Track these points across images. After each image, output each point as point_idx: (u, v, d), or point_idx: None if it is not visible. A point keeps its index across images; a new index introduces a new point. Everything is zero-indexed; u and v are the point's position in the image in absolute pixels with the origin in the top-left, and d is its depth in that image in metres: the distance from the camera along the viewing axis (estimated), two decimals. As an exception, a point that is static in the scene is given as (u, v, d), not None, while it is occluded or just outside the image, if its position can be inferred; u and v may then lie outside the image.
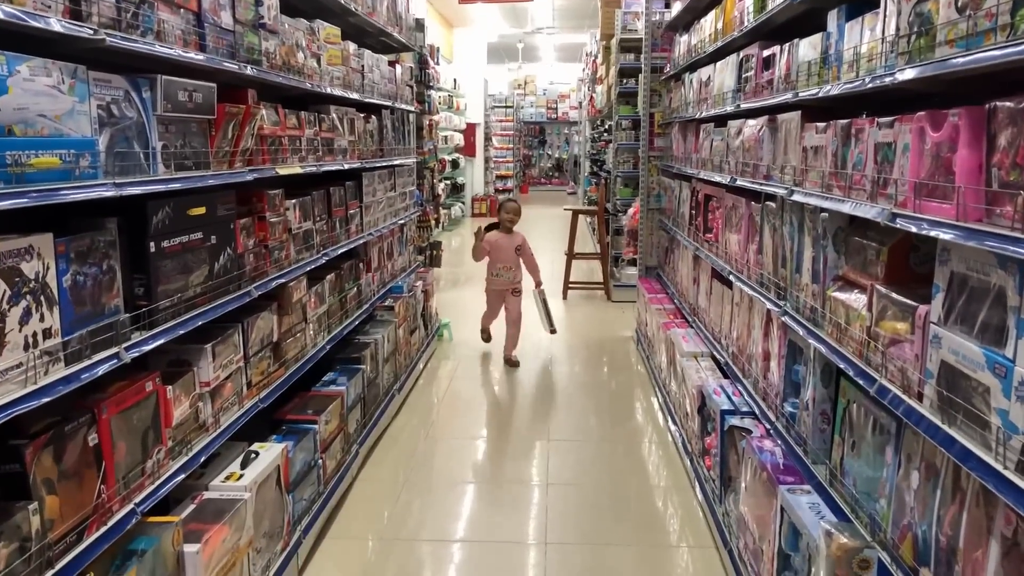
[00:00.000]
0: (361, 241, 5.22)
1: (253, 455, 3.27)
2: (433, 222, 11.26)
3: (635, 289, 9.17)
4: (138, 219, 2.62)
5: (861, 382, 2.43)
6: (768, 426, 3.46)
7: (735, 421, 3.65)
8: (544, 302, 7.08)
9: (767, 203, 3.70)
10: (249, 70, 3.25)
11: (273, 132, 3.68)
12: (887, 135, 2.38)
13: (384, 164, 5.93)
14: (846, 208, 2.61)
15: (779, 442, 3.24)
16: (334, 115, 4.66)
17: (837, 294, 2.78)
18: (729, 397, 3.95)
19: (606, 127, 14.09)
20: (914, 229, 2.10)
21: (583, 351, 7.51)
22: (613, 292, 9.63)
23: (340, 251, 4.69)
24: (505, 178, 23.83)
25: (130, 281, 2.59)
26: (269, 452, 3.34)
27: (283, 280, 3.74)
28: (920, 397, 2.10)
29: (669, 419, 5.32)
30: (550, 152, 30.29)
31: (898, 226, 2.23)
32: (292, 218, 3.94)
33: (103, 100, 2.33)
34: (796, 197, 3.16)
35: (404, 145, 6.88)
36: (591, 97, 17.13)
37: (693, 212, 5.60)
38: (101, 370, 2.27)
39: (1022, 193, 1.67)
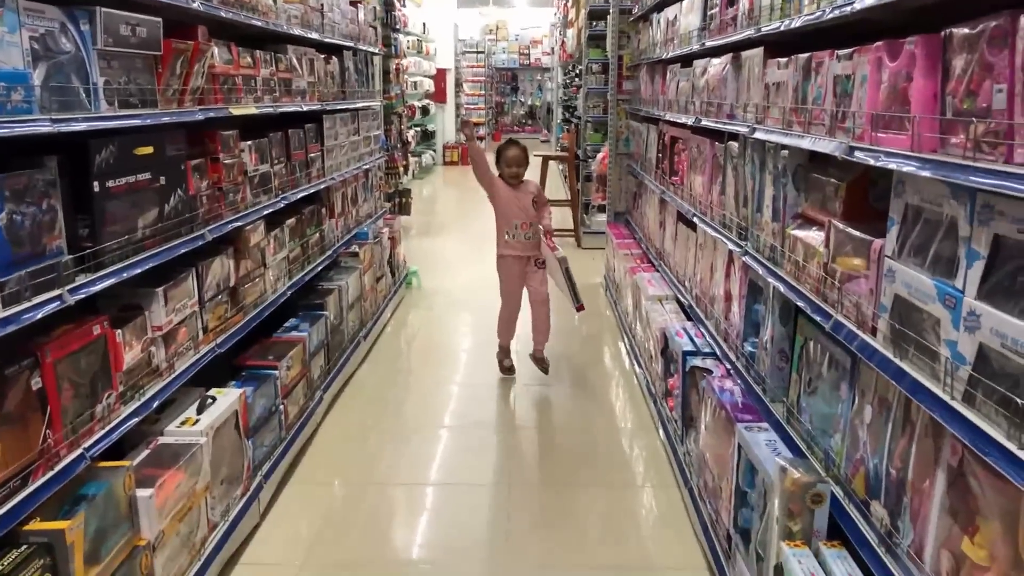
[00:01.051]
0: (323, 186, 5.14)
1: (210, 400, 3.23)
2: (402, 169, 11.13)
3: (604, 235, 9.16)
4: (81, 158, 2.54)
5: (817, 318, 2.42)
6: (728, 366, 3.46)
7: (696, 362, 3.65)
8: (568, 271, 5.12)
9: (730, 143, 3.66)
10: (197, 4, 3.14)
11: (226, 71, 3.58)
12: (846, 68, 2.34)
13: (346, 107, 5.82)
14: (805, 144, 2.57)
15: (739, 381, 3.24)
16: (292, 55, 4.55)
17: (796, 232, 2.76)
18: (691, 339, 3.95)
19: (577, 72, 13.95)
20: (871, 161, 2.07)
21: (552, 299, 7.49)
22: (583, 239, 9.59)
23: (300, 195, 4.61)
24: (477, 125, 23.59)
25: (74, 222, 2.52)
26: (227, 397, 3.30)
27: (239, 224, 3.67)
28: (874, 331, 2.09)
29: (635, 363, 5.33)
30: (523, 99, 29.99)
31: (855, 159, 2.19)
32: (248, 160, 3.86)
33: (36, 32, 2.24)
34: (758, 135, 3.12)
35: (368, 88, 6.76)
36: (563, 42, 16.93)
37: (660, 155, 5.56)
38: (42, 312, 2.20)
39: (975, 121, 1.63)
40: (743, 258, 3.28)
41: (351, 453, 4.30)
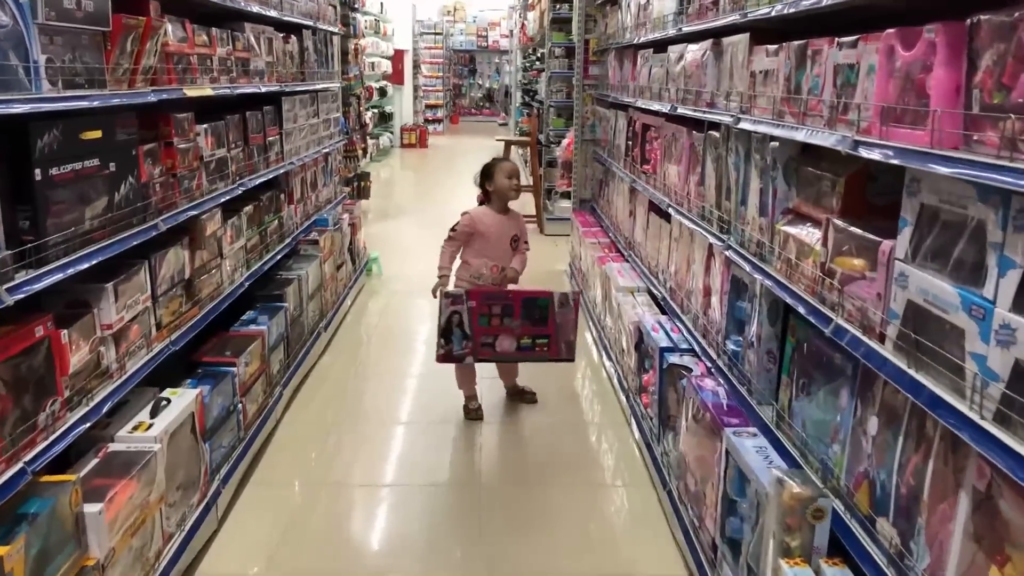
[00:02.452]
0: (282, 171, 4.92)
1: (164, 402, 3.02)
2: (360, 152, 10.88)
3: (568, 222, 9.01)
4: (21, 144, 2.32)
5: (815, 321, 2.29)
6: (709, 364, 3.34)
7: (674, 359, 3.53)
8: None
9: (710, 132, 3.53)
10: (149, -22, 2.92)
11: (180, 50, 3.36)
12: (848, 56, 2.21)
13: (306, 88, 5.59)
14: (800, 136, 2.44)
15: (721, 381, 3.12)
16: (250, 34, 4.32)
17: (787, 228, 2.64)
18: (668, 334, 3.82)
19: (538, 55, 13.76)
20: (879, 157, 1.94)
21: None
22: (546, 225, 9.45)
23: (259, 181, 4.40)
24: (435, 107, 23.31)
25: (13, 214, 2.30)
26: (182, 398, 3.09)
27: (195, 212, 3.45)
28: (882, 339, 1.97)
29: (603, 355, 5.20)
30: (480, 82, 29.71)
31: (860, 154, 2.06)
32: (204, 144, 3.64)
33: (-31, 4, 2.02)
34: (743, 125, 2.98)
35: (327, 69, 6.52)
36: (523, 24, 16.71)
37: (630, 143, 5.42)
38: (-23, 315, 2.00)
39: (1011, 117, 1.51)
40: (725, 252, 3.15)
41: (312, 452, 4.11)
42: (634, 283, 4.76)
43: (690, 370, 3.39)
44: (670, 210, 4.10)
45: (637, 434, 4.09)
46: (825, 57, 2.35)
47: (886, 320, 1.96)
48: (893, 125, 1.95)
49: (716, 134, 3.43)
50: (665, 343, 3.69)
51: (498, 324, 4.18)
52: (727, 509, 2.70)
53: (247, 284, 4.15)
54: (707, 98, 3.55)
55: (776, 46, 2.77)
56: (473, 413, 4.52)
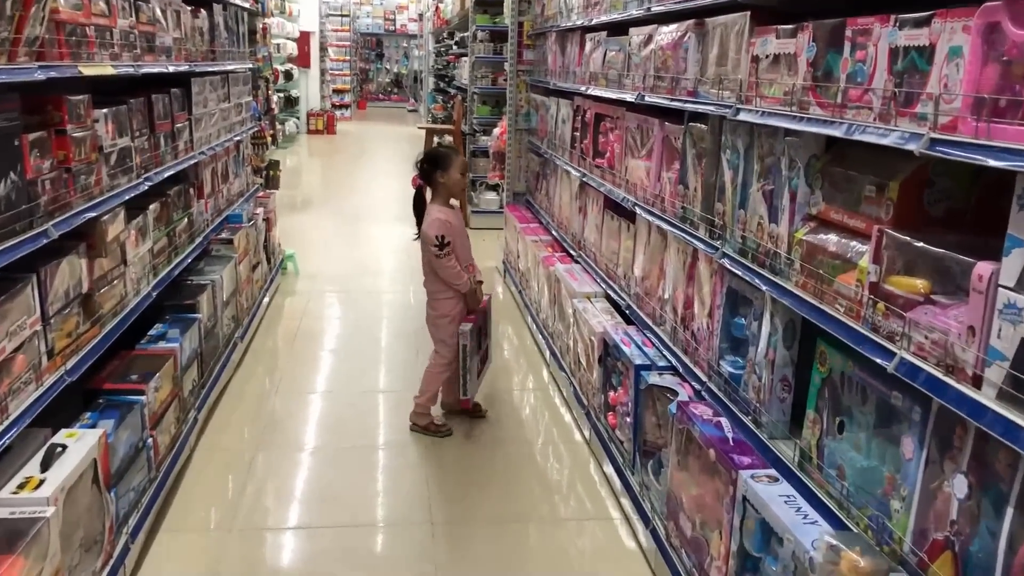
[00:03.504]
0: (191, 161, 4.35)
1: (59, 450, 2.47)
2: (269, 139, 10.21)
3: (496, 215, 8.61)
4: None
5: (866, 352, 1.92)
6: (697, 386, 2.96)
7: (655, 379, 3.14)
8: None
9: (693, 125, 3.15)
10: (33, -75, 2.35)
11: (73, 18, 2.79)
12: (916, 37, 1.83)
13: (217, 69, 5.01)
14: (838, 132, 2.06)
15: (719, 409, 2.74)
16: (155, 4, 3.73)
17: (812, 237, 2.27)
18: (640, 348, 3.44)
19: (456, 40, 13.26)
20: (979, 160, 1.57)
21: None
22: (472, 219, 8.97)
23: (166, 174, 3.82)
24: (342, 92, 22.51)
25: None
26: (81, 442, 2.55)
27: (94, 214, 2.89)
28: (977, 382, 1.61)
29: (554, 364, 4.80)
30: (388, 66, 28.97)
31: (936, 154, 1.69)
32: (104, 133, 3.07)
33: None
34: (745, 116, 2.60)
35: (238, 48, 5.92)
36: (437, 7, 16.17)
37: (578, 134, 5.02)
38: None
39: None
40: (720, 261, 2.77)
41: (231, 486, 3.58)
42: (591, 288, 4.36)
43: (675, 393, 3.01)
44: (637, 209, 3.71)
45: (606, 462, 3.68)
46: (876, 38, 1.97)
47: (984, 360, 1.60)
48: (994, 121, 1.58)
49: (702, 126, 3.04)
50: (640, 359, 3.29)
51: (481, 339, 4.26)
52: (743, 565, 2.32)
53: (155, 294, 3.59)
54: (688, 86, 3.16)
55: (792, 26, 2.39)
56: (443, 429, 4.10)
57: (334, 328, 5.74)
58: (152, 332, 3.66)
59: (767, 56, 2.55)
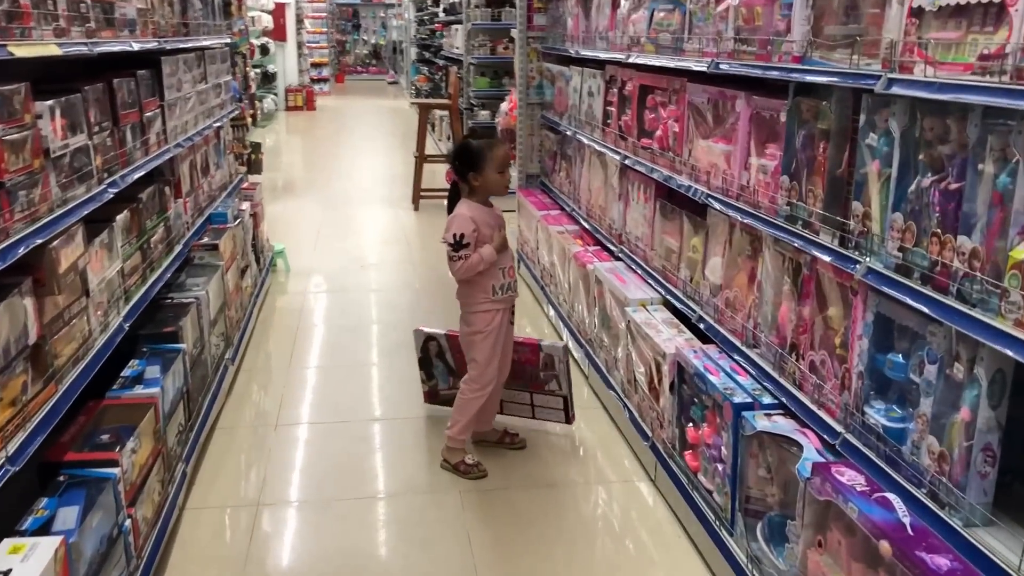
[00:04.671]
0: (167, 156, 3.65)
1: (-1, 578, 1.81)
2: (250, 120, 9.45)
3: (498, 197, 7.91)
4: None
5: None
6: (827, 437, 2.32)
7: (764, 424, 2.49)
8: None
9: (803, 99, 2.48)
10: None
11: (-2, -19, 2.08)
12: None
13: (191, 45, 4.29)
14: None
15: (867, 473, 2.11)
16: (112, -35, 3.02)
17: (1043, 260, 1.62)
18: (731, 377, 2.79)
19: (443, 6, 12.47)
20: None
21: (448, 278, 6.20)
22: (471, 200, 8.30)
23: (136, 175, 3.13)
24: (320, 66, 21.62)
25: None
26: (32, 557, 1.88)
27: (40, 240, 2.21)
28: None
29: (594, 376, 4.16)
30: (365, 37, 28.00)
31: None
32: (50, 131, 2.37)
33: None
34: (902, 90, 1.94)
35: (214, 21, 5.19)
36: (419, -27, 15.34)
37: (613, 109, 4.34)
38: None
39: None
40: (864, 279, 2.12)
41: (229, 560, 2.92)
42: (643, 292, 3.70)
43: (799, 447, 2.36)
44: (709, 202, 3.06)
45: (689, 517, 3.03)
46: None
47: None
48: None
49: (820, 103, 2.38)
50: (739, 395, 2.65)
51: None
52: None
53: (127, 326, 2.90)
54: (793, 50, 2.49)
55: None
56: (476, 470, 3.44)
57: (335, 337, 5.06)
58: (126, 372, 2.98)
59: (940, 6, 1.88)
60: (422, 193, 8.49)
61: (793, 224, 2.51)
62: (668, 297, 3.57)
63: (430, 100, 10.04)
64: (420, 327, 3.89)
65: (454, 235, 3.27)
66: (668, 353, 3.10)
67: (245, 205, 5.24)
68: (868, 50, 2.16)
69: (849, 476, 2.10)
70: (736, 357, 2.90)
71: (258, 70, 14.48)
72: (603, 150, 4.40)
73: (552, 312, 5.03)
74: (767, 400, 2.62)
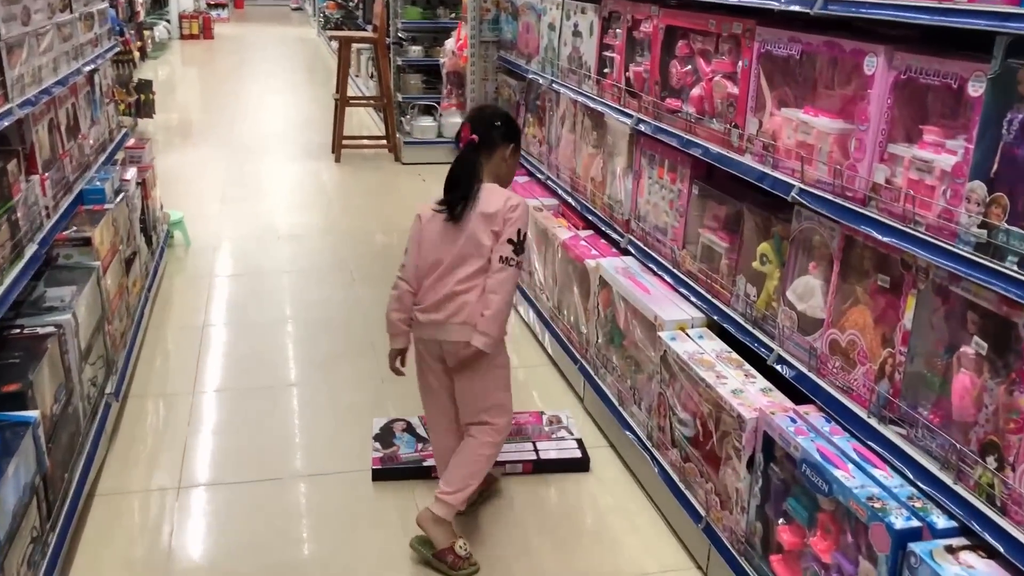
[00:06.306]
0: (12, 118, 2.54)
1: None
2: (138, 54, 8.08)
3: (435, 147, 6.89)
4: None
5: None
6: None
7: (954, 570, 1.61)
8: None
9: (1020, 65, 1.56)
10: None
11: None
12: None
13: (44, -40, 3.10)
14: None
15: None
16: None
17: None
18: (863, 469, 1.90)
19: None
20: None
21: (387, 255, 5.16)
22: (403, 151, 7.22)
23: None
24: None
25: None
26: None
27: None
28: None
29: (595, 404, 3.26)
30: (266, -41, 25.93)
31: None
32: None
33: None
34: None
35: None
36: None
37: (613, 56, 3.36)
38: None
39: None
40: None
41: None
42: (678, 309, 2.77)
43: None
44: (805, 201, 2.13)
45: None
46: None
47: None
48: None
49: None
50: (897, 514, 1.75)
51: None
52: None
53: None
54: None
55: None
56: (471, 567, 2.49)
57: (250, 344, 3.98)
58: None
59: None
60: (344, 142, 7.35)
61: (990, 256, 1.61)
62: (714, 317, 2.66)
63: (352, 33, 8.79)
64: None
65: (519, 232, 2.38)
66: (748, 418, 2.19)
67: (131, 172, 4.09)
68: None
69: None
70: (854, 430, 2.02)
71: (146, -7, 12.86)
72: (601, 109, 3.42)
73: (531, 314, 4.06)
74: (940, 521, 1.74)
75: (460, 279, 2.40)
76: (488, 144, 2.46)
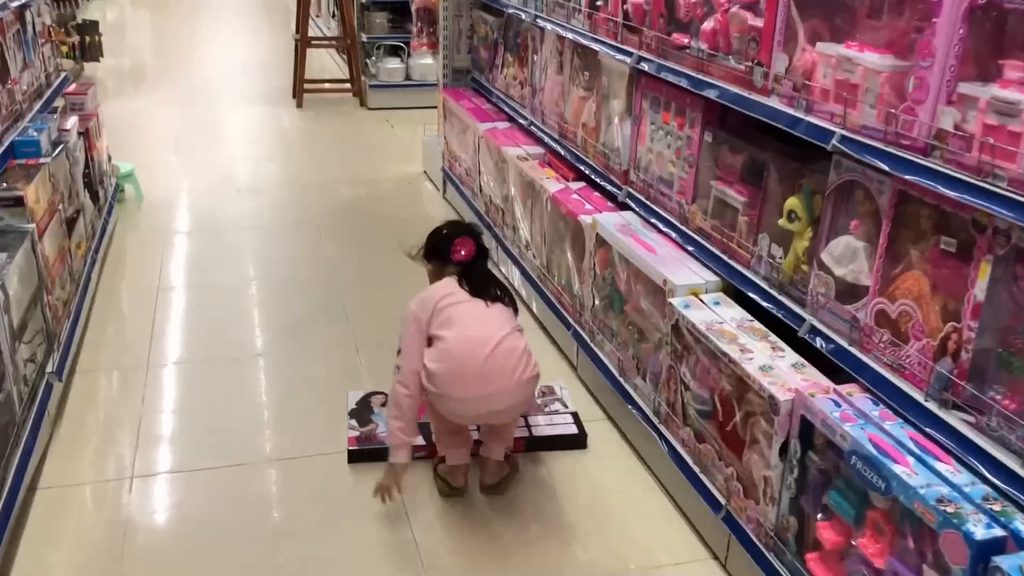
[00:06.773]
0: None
1: None
2: (80, -8, 7.56)
3: (402, 91, 6.54)
4: None
5: None
6: None
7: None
8: None
9: None
10: None
11: None
12: None
13: None
14: None
15: None
16: None
17: None
18: (927, 464, 1.64)
19: None
20: None
21: (355, 209, 4.83)
22: (369, 95, 6.83)
23: None
24: None
25: None
26: None
27: None
28: None
29: (590, 374, 3.00)
30: None
31: None
32: None
33: None
34: None
35: None
36: None
37: (610, -14, 3.02)
38: None
39: None
40: None
41: None
42: (688, 271, 2.49)
43: None
44: (849, 150, 1.84)
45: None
46: None
47: None
48: None
49: None
50: (975, 521, 1.50)
51: None
52: None
53: None
54: None
55: None
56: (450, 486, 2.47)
57: (215, 307, 3.66)
58: None
59: None
60: (306, 86, 6.93)
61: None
62: (731, 281, 2.38)
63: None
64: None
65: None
66: (782, 400, 1.92)
67: (71, 121, 3.70)
68: None
69: None
70: (908, 414, 1.76)
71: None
72: (594, 46, 3.09)
73: (515, 273, 3.76)
74: (1005, 518, 1.50)
75: None
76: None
